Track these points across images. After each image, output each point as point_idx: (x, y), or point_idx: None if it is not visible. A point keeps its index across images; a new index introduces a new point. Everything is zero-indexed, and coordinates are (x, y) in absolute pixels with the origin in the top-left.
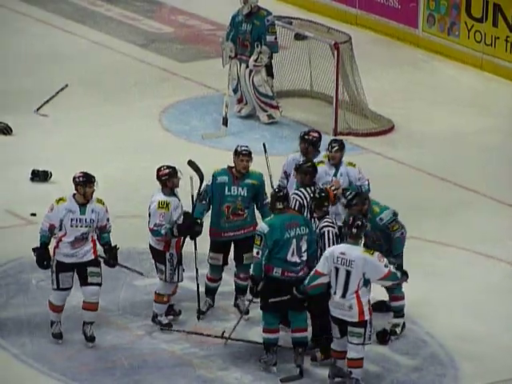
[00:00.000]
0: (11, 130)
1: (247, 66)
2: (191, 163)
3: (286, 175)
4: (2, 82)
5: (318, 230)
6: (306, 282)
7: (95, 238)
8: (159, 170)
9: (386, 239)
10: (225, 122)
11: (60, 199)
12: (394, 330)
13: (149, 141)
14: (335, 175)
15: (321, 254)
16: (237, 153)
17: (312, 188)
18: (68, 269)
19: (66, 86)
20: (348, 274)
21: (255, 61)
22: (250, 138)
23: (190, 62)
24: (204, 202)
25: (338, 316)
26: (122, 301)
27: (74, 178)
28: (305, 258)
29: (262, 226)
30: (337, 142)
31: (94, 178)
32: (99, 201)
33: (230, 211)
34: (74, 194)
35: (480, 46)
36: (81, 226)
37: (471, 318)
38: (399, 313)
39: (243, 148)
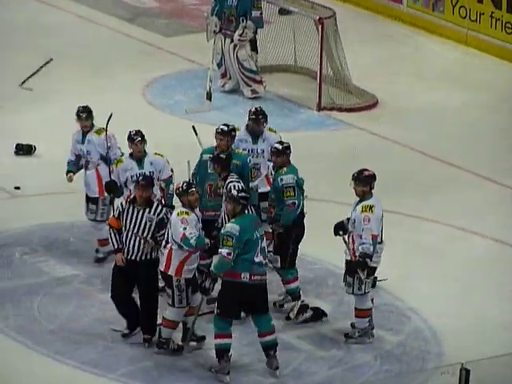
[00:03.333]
0: None
1: (232, 41)
2: (194, 129)
3: None
4: None
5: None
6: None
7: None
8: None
9: (280, 204)
10: (209, 97)
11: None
12: (288, 316)
13: (132, 114)
14: (255, 142)
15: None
16: (215, 132)
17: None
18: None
19: (51, 59)
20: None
21: (240, 35)
22: (233, 113)
23: (175, 36)
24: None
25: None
26: (105, 273)
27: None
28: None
29: (233, 226)
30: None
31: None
32: (156, 154)
33: (212, 189)
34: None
35: (464, 21)
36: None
37: (454, 294)
38: (293, 295)
39: (220, 127)
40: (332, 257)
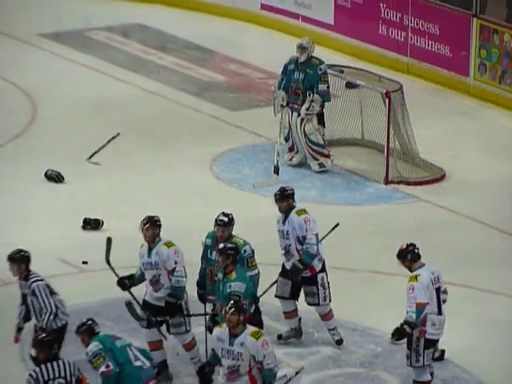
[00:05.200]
0: (63, 178)
1: (299, 115)
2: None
3: None
4: (54, 130)
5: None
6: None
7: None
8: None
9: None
10: (276, 171)
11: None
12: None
13: (200, 188)
14: (283, 223)
15: None
16: (215, 222)
17: None
18: None
19: (118, 134)
20: (438, 290)
21: (307, 109)
22: (301, 187)
23: (242, 110)
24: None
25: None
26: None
27: None
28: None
29: (248, 248)
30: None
31: (148, 219)
32: (166, 243)
33: (212, 275)
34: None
35: None
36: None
37: None
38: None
39: (219, 218)
40: None
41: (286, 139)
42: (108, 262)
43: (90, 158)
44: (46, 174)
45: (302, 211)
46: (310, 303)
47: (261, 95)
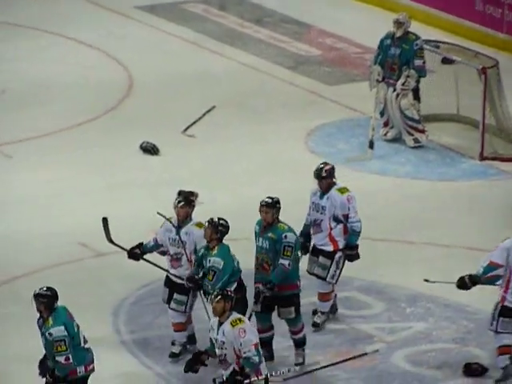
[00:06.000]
0: (158, 150)
1: (394, 90)
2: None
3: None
4: (150, 102)
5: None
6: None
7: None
8: None
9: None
10: (371, 145)
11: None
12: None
13: (294, 162)
14: (322, 198)
15: None
16: (260, 204)
17: None
18: None
19: (214, 107)
20: None
21: (402, 84)
22: (395, 162)
23: (338, 84)
24: None
25: None
26: None
27: None
28: None
29: (290, 236)
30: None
31: (183, 198)
32: (198, 224)
33: (258, 263)
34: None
35: None
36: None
37: None
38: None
39: (264, 199)
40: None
41: (382, 114)
42: (111, 240)
43: (186, 130)
44: (141, 146)
45: (345, 189)
46: (317, 274)
47: (356, 70)
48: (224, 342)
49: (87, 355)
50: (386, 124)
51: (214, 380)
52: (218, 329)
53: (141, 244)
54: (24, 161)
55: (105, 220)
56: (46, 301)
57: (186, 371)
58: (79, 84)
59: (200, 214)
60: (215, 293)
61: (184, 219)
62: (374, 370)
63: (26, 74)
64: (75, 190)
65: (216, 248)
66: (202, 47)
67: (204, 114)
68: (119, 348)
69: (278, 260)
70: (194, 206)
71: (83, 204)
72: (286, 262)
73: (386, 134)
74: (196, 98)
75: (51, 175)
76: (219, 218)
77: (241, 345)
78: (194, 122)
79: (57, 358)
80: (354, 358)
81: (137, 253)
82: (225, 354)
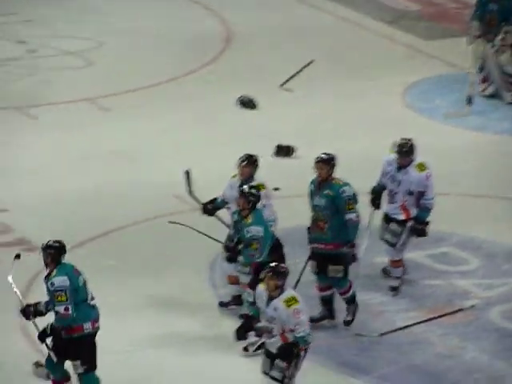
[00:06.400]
0: (256, 105)
1: (493, 46)
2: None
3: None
4: (248, 56)
5: None
6: None
7: None
8: None
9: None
10: (469, 101)
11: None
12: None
13: (390, 117)
14: (399, 171)
15: None
16: (315, 161)
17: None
18: None
19: (312, 61)
20: None
21: (501, 40)
22: (493, 118)
23: (436, 40)
24: None
25: None
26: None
27: None
28: None
29: (348, 189)
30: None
31: (247, 157)
32: (258, 185)
33: (313, 221)
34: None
35: None
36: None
37: None
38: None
39: (320, 155)
40: None
41: (480, 70)
42: (190, 192)
43: (283, 84)
44: (239, 100)
45: (424, 166)
46: (387, 240)
47: (455, 25)
48: (274, 318)
49: (93, 312)
50: (484, 80)
51: (246, 348)
52: (268, 302)
53: (214, 199)
54: (121, 114)
55: (187, 172)
56: (53, 252)
57: (238, 339)
58: (177, 38)
59: (297, 168)
60: (268, 268)
61: (247, 179)
62: (470, 326)
63: (123, 29)
64: (173, 143)
65: (250, 216)
66: (300, 1)
67: (302, 69)
68: (213, 302)
69: (343, 217)
70: (257, 166)
71: (180, 157)
72: (353, 216)
73: (484, 90)
74: (294, 53)
75: (148, 128)
76: (250, 186)
77: (295, 325)
78: (292, 76)
79: (56, 308)
80: (450, 313)
81: (209, 208)
82: (272, 327)
